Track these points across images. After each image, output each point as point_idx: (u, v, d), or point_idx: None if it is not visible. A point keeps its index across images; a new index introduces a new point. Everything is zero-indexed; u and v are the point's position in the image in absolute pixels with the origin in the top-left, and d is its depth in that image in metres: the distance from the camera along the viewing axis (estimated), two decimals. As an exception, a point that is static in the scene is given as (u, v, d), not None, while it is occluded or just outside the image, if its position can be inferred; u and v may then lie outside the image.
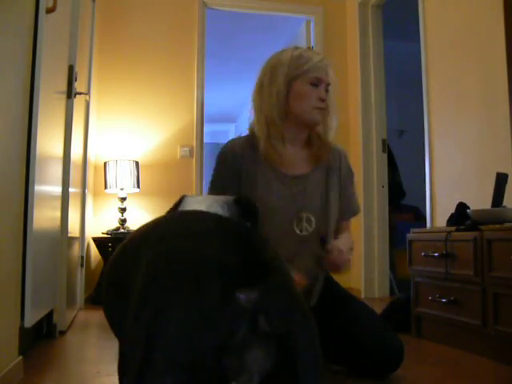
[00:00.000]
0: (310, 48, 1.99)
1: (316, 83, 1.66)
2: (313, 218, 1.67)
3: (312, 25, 4.37)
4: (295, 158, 1.73)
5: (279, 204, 1.65)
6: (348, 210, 1.80)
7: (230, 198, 1.25)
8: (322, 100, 1.67)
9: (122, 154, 3.91)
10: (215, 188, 1.71)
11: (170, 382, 0.75)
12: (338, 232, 1.75)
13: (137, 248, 1.00)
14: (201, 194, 4.05)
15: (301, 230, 1.66)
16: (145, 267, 0.88)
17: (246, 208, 1.22)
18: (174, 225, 1.05)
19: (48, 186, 2.06)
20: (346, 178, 1.79)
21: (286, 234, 1.64)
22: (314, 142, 1.74)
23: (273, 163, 1.68)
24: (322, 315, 1.63)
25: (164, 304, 0.80)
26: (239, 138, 1.81)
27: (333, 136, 1.77)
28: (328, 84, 1.69)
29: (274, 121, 1.66)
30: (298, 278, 1.54)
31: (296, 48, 1.74)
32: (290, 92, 1.66)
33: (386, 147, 4.12)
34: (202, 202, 1.25)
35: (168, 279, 0.85)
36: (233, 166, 1.68)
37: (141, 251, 0.95)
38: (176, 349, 0.77)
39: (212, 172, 1.75)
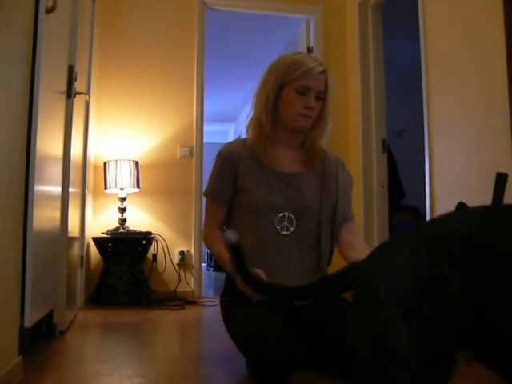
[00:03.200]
0: (309, 54, 2.02)
1: (303, 91, 1.69)
2: (294, 219, 1.72)
3: (312, 25, 4.36)
4: (289, 159, 1.78)
5: (265, 200, 1.71)
6: (346, 215, 1.83)
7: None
8: (309, 108, 1.69)
9: (122, 154, 3.91)
10: (214, 187, 1.79)
11: None
12: (351, 240, 1.76)
13: None
14: (200, 193, 4.05)
15: (282, 229, 1.71)
16: None
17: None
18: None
19: (48, 186, 2.06)
20: (345, 184, 1.83)
21: (267, 228, 1.71)
22: (307, 146, 1.79)
23: (263, 161, 1.75)
24: (313, 315, 1.64)
25: None
26: (237, 140, 1.89)
27: (325, 142, 1.82)
28: (319, 91, 1.70)
29: (263, 123, 1.72)
30: None
31: (296, 54, 1.78)
32: (280, 98, 1.71)
33: (386, 147, 4.11)
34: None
35: None
36: (230, 166, 1.75)
37: None
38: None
39: (211, 172, 1.81)
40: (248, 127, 1.82)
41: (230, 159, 1.75)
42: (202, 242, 4.20)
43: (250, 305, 1.65)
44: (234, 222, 1.77)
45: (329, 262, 1.79)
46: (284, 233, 1.72)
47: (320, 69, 1.70)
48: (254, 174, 1.74)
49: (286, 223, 1.72)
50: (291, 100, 1.69)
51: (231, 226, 1.77)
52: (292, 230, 1.72)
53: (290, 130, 1.75)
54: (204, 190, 1.83)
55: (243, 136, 1.91)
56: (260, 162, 1.75)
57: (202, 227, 1.88)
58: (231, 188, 1.75)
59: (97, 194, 3.89)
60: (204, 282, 4.59)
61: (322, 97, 1.72)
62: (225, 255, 1.67)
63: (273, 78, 1.70)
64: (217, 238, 1.75)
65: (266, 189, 1.73)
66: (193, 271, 4.00)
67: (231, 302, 1.78)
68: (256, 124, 1.75)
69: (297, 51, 1.84)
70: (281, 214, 1.71)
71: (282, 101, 1.71)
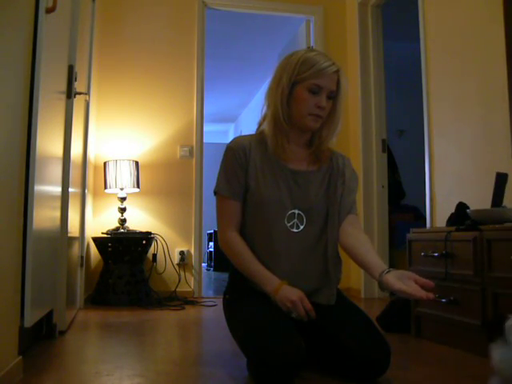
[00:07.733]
0: (322, 52, 1.98)
1: (315, 90, 1.67)
2: (304, 216, 1.72)
3: (312, 25, 4.36)
4: (298, 156, 1.78)
5: (272, 197, 1.70)
6: (351, 210, 1.81)
7: None
8: (320, 107, 1.68)
9: (122, 154, 3.91)
10: (225, 180, 1.74)
11: None
12: (352, 230, 1.75)
13: None
14: (200, 193, 4.05)
15: (292, 226, 1.71)
16: None
17: None
18: None
19: (48, 186, 2.06)
20: (351, 181, 1.83)
21: (277, 226, 1.70)
22: (315, 145, 1.78)
23: (278, 157, 1.73)
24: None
25: None
26: (246, 135, 1.84)
27: (333, 142, 1.80)
28: (331, 91, 1.69)
29: (280, 120, 1.70)
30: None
31: (309, 51, 1.76)
32: (292, 96, 1.69)
33: (386, 147, 4.12)
34: None
35: None
36: (242, 156, 1.72)
37: None
38: None
39: (220, 168, 1.78)
40: (260, 123, 1.80)
41: (241, 150, 1.73)
42: (202, 242, 4.21)
43: (253, 304, 1.64)
44: (244, 222, 1.75)
45: (336, 263, 1.78)
46: (294, 230, 1.71)
47: (333, 68, 1.70)
48: (262, 170, 1.72)
49: (296, 220, 1.71)
50: (303, 98, 1.67)
51: (243, 228, 1.75)
52: (302, 227, 1.71)
53: (299, 128, 1.74)
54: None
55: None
56: (270, 158, 1.73)
57: (218, 232, 1.78)
58: (243, 179, 1.72)
59: (97, 194, 3.89)
60: (204, 282, 4.60)
61: (333, 96, 1.72)
62: (247, 256, 1.68)
63: (287, 74, 1.68)
64: (236, 241, 1.71)
65: (273, 185, 1.71)
66: (193, 271, 4.01)
67: (234, 301, 1.78)
68: (271, 120, 1.72)
69: (310, 48, 1.81)
70: (290, 212, 1.71)
71: (293, 98, 1.69)
